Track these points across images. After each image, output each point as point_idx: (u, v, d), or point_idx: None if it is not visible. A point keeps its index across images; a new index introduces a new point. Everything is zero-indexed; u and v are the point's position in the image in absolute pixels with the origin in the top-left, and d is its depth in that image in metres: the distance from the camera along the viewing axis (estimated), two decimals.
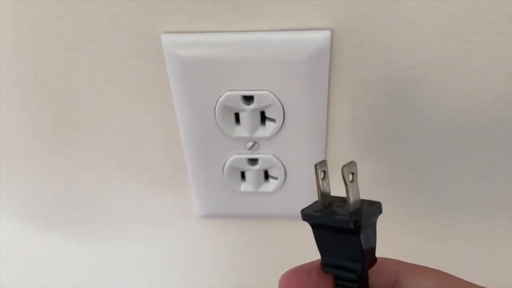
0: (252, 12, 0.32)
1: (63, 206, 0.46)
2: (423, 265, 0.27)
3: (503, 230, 0.42)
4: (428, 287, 0.25)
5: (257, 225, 0.45)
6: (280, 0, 0.31)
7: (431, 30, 0.32)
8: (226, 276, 0.51)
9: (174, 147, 0.40)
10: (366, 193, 0.40)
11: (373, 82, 0.34)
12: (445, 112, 0.35)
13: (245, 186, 0.40)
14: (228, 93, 0.34)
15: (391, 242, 0.43)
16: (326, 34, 0.32)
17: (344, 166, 0.23)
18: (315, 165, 0.25)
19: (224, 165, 0.39)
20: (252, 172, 0.39)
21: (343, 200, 0.24)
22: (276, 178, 0.39)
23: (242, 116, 0.36)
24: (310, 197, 0.25)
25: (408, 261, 0.27)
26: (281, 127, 0.36)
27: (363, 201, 0.25)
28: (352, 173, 0.24)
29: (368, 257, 0.25)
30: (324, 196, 0.25)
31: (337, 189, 0.27)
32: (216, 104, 0.35)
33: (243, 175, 0.40)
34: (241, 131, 0.36)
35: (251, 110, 0.35)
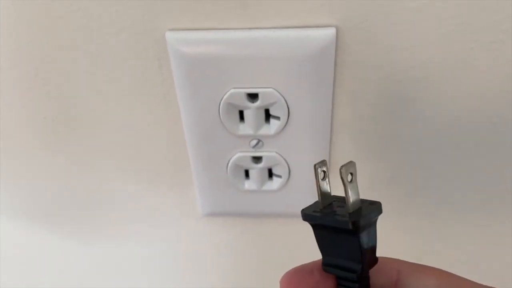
0: (257, 9, 0.32)
1: (63, 206, 0.46)
2: (424, 264, 0.27)
3: (503, 229, 0.42)
4: (430, 286, 0.25)
5: (258, 225, 0.45)
6: (285, 0, 0.31)
7: (434, 29, 0.32)
8: (226, 276, 0.51)
9: (175, 146, 0.40)
10: (368, 192, 0.40)
11: (376, 81, 0.35)
12: (448, 112, 0.36)
13: (249, 184, 0.40)
14: (232, 90, 0.34)
15: (391, 241, 0.43)
16: (331, 31, 0.32)
17: (342, 166, 0.23)
18: (314, 165, 0.25)
19: (228, 163, 0.39)
20: (256, 170, 0.39)
21: (343, 200, 0.24)
22: (280, 176, 0.39)
23: (246, 113, 0.35)
24: (314, 195, 0.25)
25: (409, 260, 0.27)
26: (285, 125, 0.36)
27: (363, 201, 0.25)
28: (351, 173, 0.24)
29: (368, 257, 0.25)
30: (324, 196, 0.25)
31: (340, 188, 0.27)
32: (220, 102, 0.35)
33: (247, 173, 0.40)
34: (246, 129, 0.36)
35: (255, 107, 0.35)
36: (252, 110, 0.35)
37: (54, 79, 0.37)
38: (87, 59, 0.36)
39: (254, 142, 0.37)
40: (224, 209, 0.42)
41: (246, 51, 0.33)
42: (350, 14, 0.32)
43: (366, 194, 0.39)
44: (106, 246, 0.50)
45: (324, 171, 0.25)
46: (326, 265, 0.26)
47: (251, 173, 0.39)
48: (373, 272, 0.25)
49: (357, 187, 0.24)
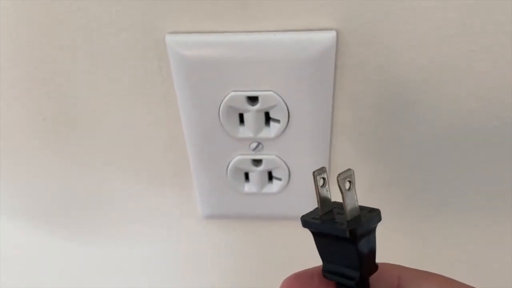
0: (258, 12, 0.32)
1: (63, 206, 0.46)
2: (425, 267, 0.27)
3: (503, 229, 0.42)
4: None
5: (258, 226, 0.45)
6: (285, 1, 0.31)
7: (435, 32, 0.32)
8: (226, 276, 0.51)
9: (175, 146, 0.40)
10: (368, 194, 0.40)
11: (376, 83, 0.34)
12: (449, 114, 0.35)
13: (249, 187, 0.40)
14: (232, 93, 0.34)
15: (391, 243, 0.43)
16: (331, 34, 0.32)
17: (339, 174, 0.23)
18: (313, 173, 0.25)
19: (228, 166, 0.38)
20: (256, 173, 0.38)
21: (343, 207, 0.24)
22: (280, 179, 0.39)
23: (246, 116, 0.35)
24: (314, 198, 0.25)
25: (409, 263, 0.27)
26: (285, 128, 0.36)
27: (362, 208, 0.25)
28: (350, 181, 0.24)
29: (367, 264, 0.25)
30: (324, 202, 0.25)
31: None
32: (220, 105, 0.35)
33: (247, 176, 0.40)
34: (245, 131, 0.36)
35: (255, 110, 0.35)
36: (252, 113, 0.35)
37: (54, 79, 0.37)
38: (87, 59, 0.36)
39: (254, 145, 0.37)
40: (224, 211, 0.42)
41: (246, 54, 0.32)
42: (350, 17, 0.31)
43: (366, 196, 0.40)
44: (106, 246, 0.50)
45: (323, 178, 0.25)
46: (326, 271, 0.26)
47: (251, 176, 0.39)
48: (374, 278, 0.25)
49: (356, 195, 0.24)
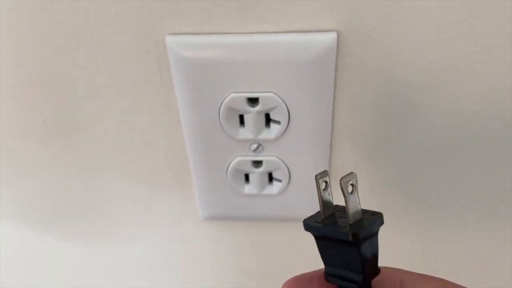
0: (258, 13, 0.32)
1: (63, 207, 0.46)
2: (426, 268, 0.27)
3: (503, 229, 0.42)
4: None
5: (258, 227, 0.45)
6: (286, 2, 0.31)
7: (435, 33, 0.32)
8: (226, 278, 0.51)
9: (174, 148, 0.40)
10: (368, 195, 0.40)
11: (377, 84, 0.34)
12: (449, 115, 0.35)
13: (249, 188, 0.40)
14: (233, 95, 0.34)
15: (392, 245, 0.43)
16: (332, 36, 0.32)
17: (342, 178, 0.23)
18: (316, 176, 0.25)
19: (228, 167, 0.38)
20: (256, 174, 0.38)
21: (345, 210, 0.24)
22: (280, 181, 0.39)
23: (246, 118, 0.35)
24: (314, 200, 0.26)
25: (409, 264, 0.27)
26: (286, 129, 0.36)
27: (364, 211, 0.25)
28: (352, 184, 0.24)
29: (370, 268, 0.25)
30: (326, 206, 0.25)
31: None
32: (220, 106, 0.35)
33: (247, 177, 0.40)
34: (246, 133, 0.36)
35: (256, 112, 0.35)
36: (252, 115, 0.35)
37: (53, 79, 0.37)
38: (87, 59, 0.35)
39: (255, 146, 0.37)
40: (224, 213, 0.42)
41: (247, 56, 0.32)
42: (351, 18, 0.31)
43: (367, 197, 0.40)
44: (107, 247, 0.50)
45: (326, 182, 0.25)
46: (329, 275, 0.26)
47: (251, 177, 0.39)
48: (375, 282, 0.25)
49: (358, 198, 0.24)
